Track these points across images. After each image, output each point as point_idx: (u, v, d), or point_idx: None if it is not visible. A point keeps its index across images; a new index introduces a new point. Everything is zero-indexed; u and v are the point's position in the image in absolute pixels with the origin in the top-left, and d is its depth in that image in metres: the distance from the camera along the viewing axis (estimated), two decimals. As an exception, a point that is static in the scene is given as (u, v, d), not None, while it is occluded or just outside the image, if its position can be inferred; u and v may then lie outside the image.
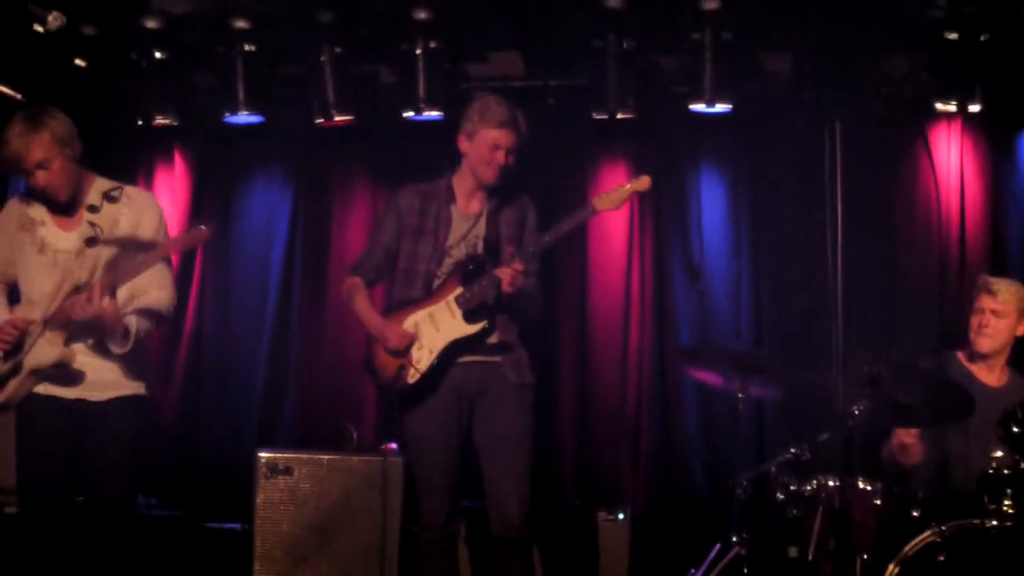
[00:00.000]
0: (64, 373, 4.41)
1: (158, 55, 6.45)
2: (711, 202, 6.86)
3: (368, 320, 4.92)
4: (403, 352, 4.77)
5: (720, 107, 6.24)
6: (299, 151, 7.21)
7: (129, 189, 4.62)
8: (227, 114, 6.59)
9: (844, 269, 4.46)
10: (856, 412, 4.70)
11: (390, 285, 5.11)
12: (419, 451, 4.89)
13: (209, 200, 7.26)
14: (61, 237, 4.49)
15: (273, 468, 6.05)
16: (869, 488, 4.99)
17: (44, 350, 4.38)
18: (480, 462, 4.86)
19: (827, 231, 4.55)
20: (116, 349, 4.43)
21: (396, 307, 4.91)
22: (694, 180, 6.90)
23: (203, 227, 4.39)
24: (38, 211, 4.52)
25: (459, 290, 4.78)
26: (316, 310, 7.08)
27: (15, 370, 4.41)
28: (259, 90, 6.55)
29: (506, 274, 4.60)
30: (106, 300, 4.26)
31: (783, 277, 6.71)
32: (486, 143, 4.83)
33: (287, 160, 7.26)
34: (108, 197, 4.51)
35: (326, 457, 6.09)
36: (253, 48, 6.42)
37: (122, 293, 4.39)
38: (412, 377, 4.76)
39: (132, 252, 4.38)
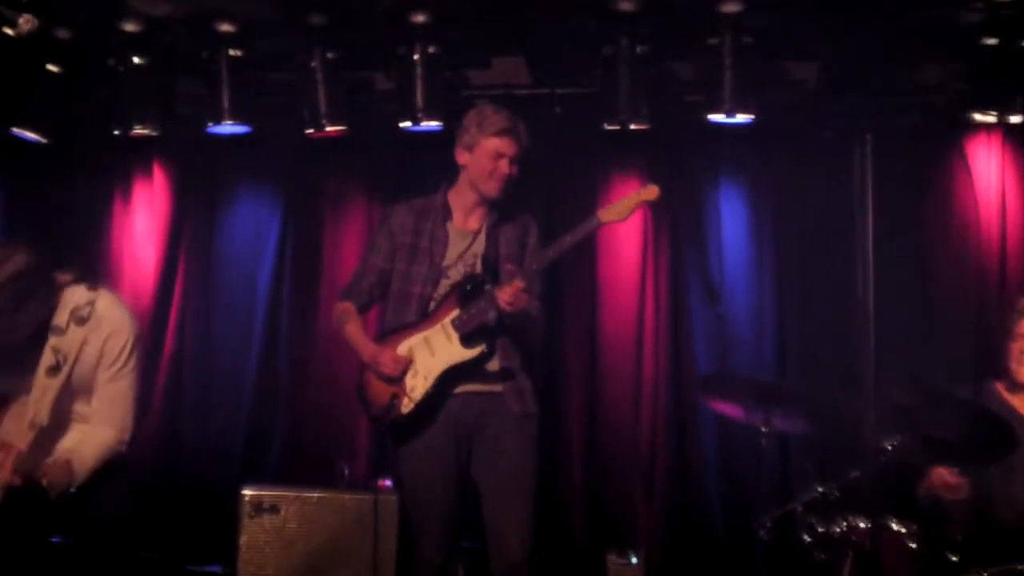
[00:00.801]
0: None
1: (137, 60, 6.43)
2: (731, 219, 6.85)
3: (360, 346, 4.89)
4: (398, 379, 4.74)
5: (740, 118, 6.20)
6: (288, 164, 7.21)
7: (102, 304, 4.35)
8: (211, 124, 6.57)
9: (875, 292, 4.41)
10: (889, 447, 4.65)
11: (383, 309, 5.08)
12: (415, 488, 4.85)
13: (191, 216, 7.26)
14: None
15: (258, 506, 6.00)
16: (903, 530, 4.93)
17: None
18: (480, 499, 4.82)
19: (857, 251, 4.51)
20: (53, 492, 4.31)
21: (389, 332, 4.87)
22: (713, 196, 6.89)
23: None
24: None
25: (456, 312, 4.75)
26: (306, 335, 7.05)
27: None
28: (245, 98, 6.53)
29: (506, 293, 4.57)
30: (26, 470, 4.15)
31: (809, 300, 6.68)
32: (487, 153, 4.83)
33: (275, 174, 7.26)
34: (77, 318, 4.25)
35: (315, 494, 6.04)
36: (239, 53, 6.41)
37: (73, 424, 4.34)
38: (406, 407, 4.73)
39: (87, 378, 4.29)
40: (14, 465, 4.11)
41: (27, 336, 4.16)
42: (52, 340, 4.22)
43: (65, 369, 4.21)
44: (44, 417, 4.20)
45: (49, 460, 4.20)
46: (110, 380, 4.34)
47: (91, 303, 4.30)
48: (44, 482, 4.15)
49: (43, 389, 4.20)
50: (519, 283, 4.58)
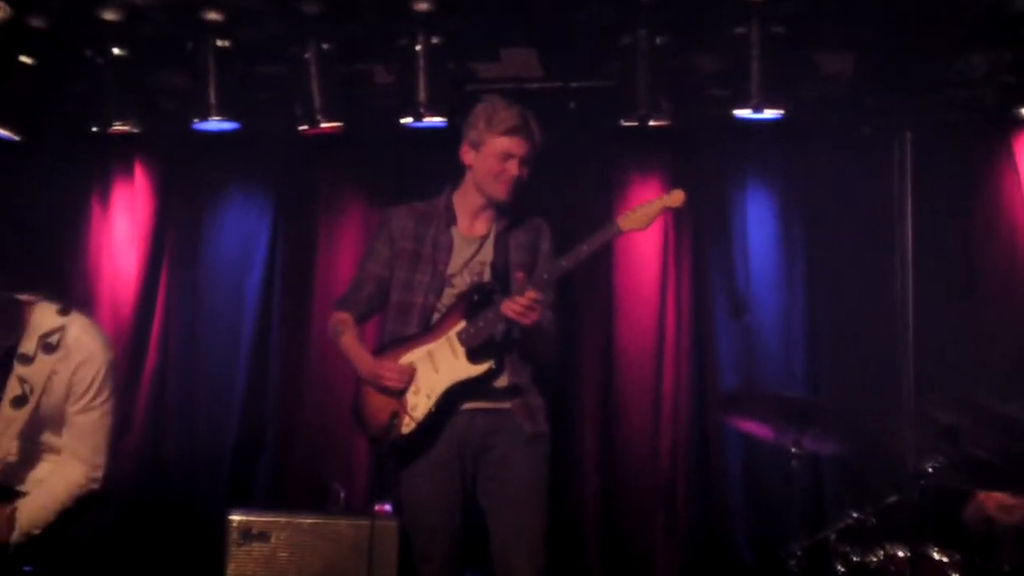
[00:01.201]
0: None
1: (117, 52, 6.45)
2: (758, 223, 6.84)
3: (357, 360, 4.88)
4: (400, 393, 4.73)
5: (769, 114, 6.21)
6: (280, 163, 7.22)
7: (73, 330, 4.34)
8: (196, 120, 6.57)
9: (915, 302, 4.38)
10: (930, 470, 4.63)
11: (383, 320, 5.07)
12: (416, 514, 4.85)
13: (175, 220, 7.26)
14: None
15: (246, 533, 6.00)
16: (946, 559, 4.93)
17: None
18: (487, 525, 4.82)
19: (895, 258, 4.48)
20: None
21: (389, 345, 4.86)
22: (739, 198, 6.89)
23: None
24: None
25: (462, 325, 4.74)
26: (298, 347, 7.06)
27: None
28: (234, 93, 6.54)
29: (516, 304, 4.55)
30: None
31: (843, 311, 6.68)
32: (495, 153, 4.82)
33: (266, 174, 7.26)
34: (45, 346, 4.27)
35: (308, 520, 6.04)
36: (227, 44, 6.42)
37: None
38: (407, 426, 4.73)
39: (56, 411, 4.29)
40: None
41: None
42: (18, 369, 4.22)
43: (32, 400, 4.22)
44: (11, 451, 4.19)
45: None
46: (80, 412, 4.32)
47: (61, 329, 4.30)
48: None
49: (8, 421, 4.21)
50: (531, 294, 4.56)
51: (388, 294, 4.95)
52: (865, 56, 6.38)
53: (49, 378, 4.26)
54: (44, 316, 4.33)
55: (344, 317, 5.00)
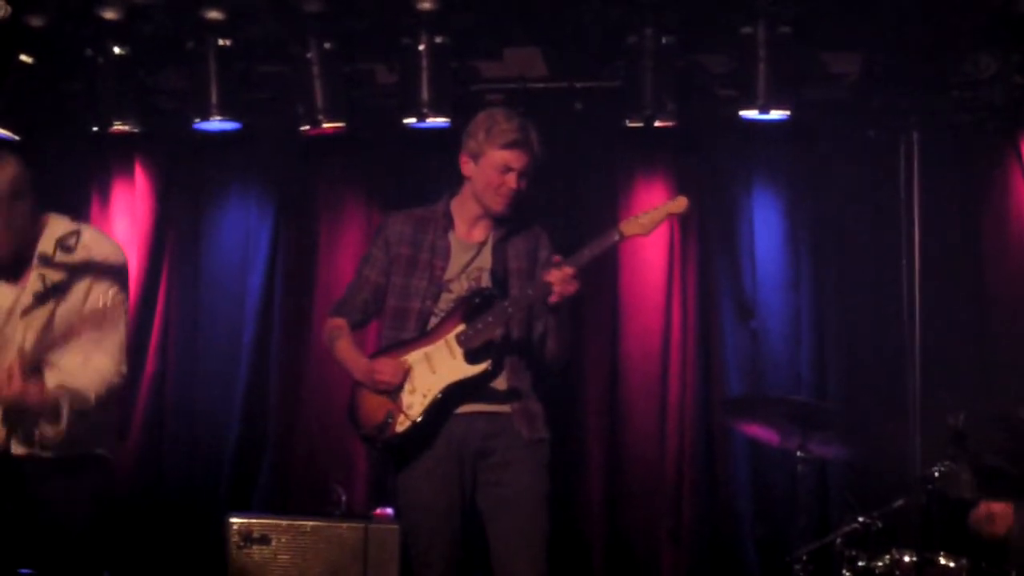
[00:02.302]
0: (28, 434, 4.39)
1: (117, 51, 6.48)
2: (765, 226, 6.84)
3: (351, 363, 4.87)
4: (395, 392, 4.74)
5: (776, 114, 6.22)
6: (281, 164, 7.23)
7: (88, 235, 4.50)
8: (197, 120, 6.60)
9: (922, 305, 4.41)
10: (937, 474, 4.64)
11: (380, 326, 5.08)
12: (415, 519, 4.84)
13: (175, 221, 7.27)
14: (4, 291, 4.40)
15: (247, 536, 6.02)
16: (952, 564, 4.94)
17: None
18: (487, 531, 4.81)
19: (902, 260, 4.51)
20: (48, 431, 4.40)
21: (386, 350, 4.86)
22: (745, 200, 6.89)
23: None
24: None
25: (461, 327, 4.74)
26: (299, 350, 7.06)
27: None
28: (234, 92, 6.56)
29: (555, 277, 4.53)
30: (29, 382, 4.18)
31: (850, 315, 6.67)
32: (494, 165, 4.80)
33: (267, 174, 7.27)
34: (63, 246, 4.40)
35: (309, 523, 6.06)
36: (228, 43, 6.44)
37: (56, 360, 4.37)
38: (401, 425, 4.72)
39: (73, 317, 4.30)
40: (22, 369, 4.13)
41: (20, 239, 4.31)
42: (39, 268, 4.34)
43: (53, 299, 4.31)
44: (28, 342, 4.26)
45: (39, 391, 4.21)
46: (102, 310, 4.36)
47: (76, 232, 4.43)
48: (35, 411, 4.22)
49: (31, 317, 4.30)
50: (568, 269, 4.54)
51: (384, 300, 4.95)
52: (872, 57, 6.38)
53: (68, 279, 4.37)
54: (58, 223, 4.45)
55: (339, 323, 5.00)
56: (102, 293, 4.32)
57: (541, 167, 4.91)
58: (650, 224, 4.68)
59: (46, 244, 4.39)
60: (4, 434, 4.34)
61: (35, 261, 4.37)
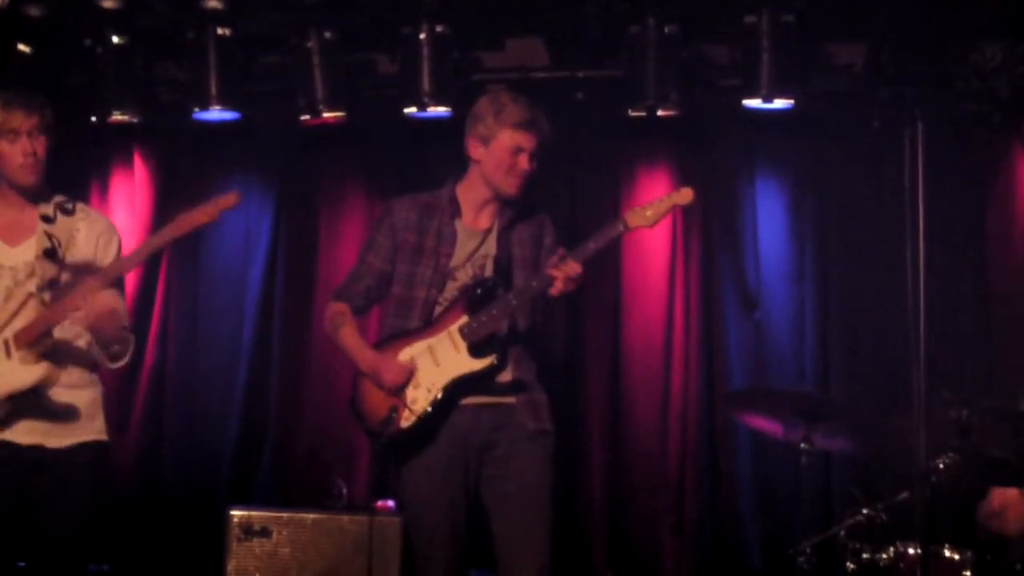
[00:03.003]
0: (34, 404, 4.42)
1: (116, 40, 6.48)
2: (768, 217, 6.85)
3: (356, 353, 4.87)
4: (399, 390, 4.74)
5: (779, 104, 6.23)
6: (281, 155, 7.24)
7: (81, 205, 4.71)
8: (197, 110, 6.61)
9: (926, 297, 4.40)
10: (941, 467, 4.65)
11: (383, 314, 5.08)
12: (418, 513, 4.83)
13: (175, 211, 7.17)
14: (5, 252, 4.51)
15: (247, 529, 6.03)
16: (957, 557, 4.94)
17: (16, 372, 4.37)
18: (490, 525, 4.81)
19: (907, 252, 4.50)
20: (110, 364, 4.50)
21: (389, 340, 4.86)
22: (748, 190, 6.90)
23: (230, 195, 4.41)
24: None
25: (464, 319, 4.73)
26: (300, 342, 7.08)
27: None
28: (235, 82, 6.57)
29: (560, 272, 4.53)
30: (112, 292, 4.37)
31: (854, 307, 6.69)
32: (505, 147, 4.79)
33: (267, 165, 7.28)
34: (63, 209, 4.59)
35: (310, 516, 6.07)
36: (228, 33, 6.44)
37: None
38: (407, 420, 4.71)
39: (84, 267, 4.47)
40: (102, 284, 4.30)
41: (43, 174, 4.54)
42: (43, 226, 4.53)
43: (61, 253, 4.50)
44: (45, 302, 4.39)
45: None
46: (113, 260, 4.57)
47: (71, 200, 4.66)
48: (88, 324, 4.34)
49: (43, 272, 4.46)
50: (575, 265, 4.53)
51: (387, 287, 4.93)
52: (877, 47, 6.38)
53: (72, 235, 4.55)
54: (54, 194, 4.65)
55: (342, 308, 4.98)
56: (112, 256, 4.58)
57: (544, 158, 4.91)
58: (655, 216, 4.67)
59: (46, 208, 4.58)
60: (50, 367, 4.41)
61: (38, 223, 4.53)
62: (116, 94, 6.63)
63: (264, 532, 6.01)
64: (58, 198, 4.62)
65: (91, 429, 4.56)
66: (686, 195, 4.69)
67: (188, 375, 7.15)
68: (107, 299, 4.32)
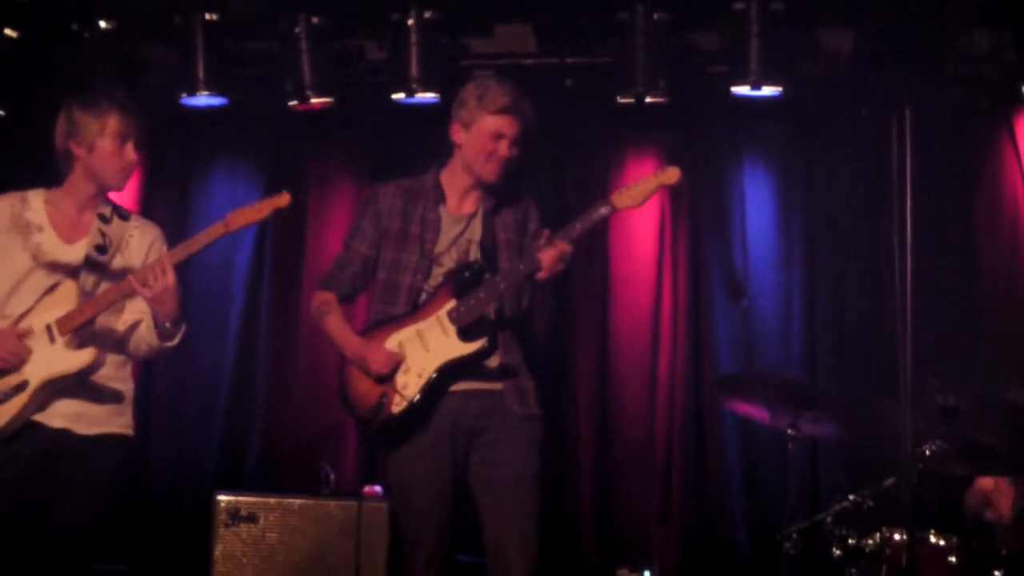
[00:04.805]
0: (73, 389, 4.44)
1: (102, 25, 6.46)
2: (756, 203, 6.86)
3: (343, 341, 4.86)
4: (388, 377, 4.73)
5: (768, 91, 6.24)
6: (269, 141, 7.24)
7: (135, 213, 4.77)
8: (184, 95, 6.60)
9: (914, 284, 4.42)
10: (928, 453, 4.67)
11: (371, 301, 5.08)
12: (406, 498, 4.82)
13: (162, 197, 7.26)
14: (61, 248, 4.51)
15: (234, 514, 6.03)
16: (942, 543, 4.96)
17: (61, 357, 4.39)
18: (479, 510, 4.81)
19: (894, 239, 4.52)
20: (166, 344, 4.54)
21: (376, 326, 4.85)
22: (736, 178, 6.91)
23: (284, 195, 4.50)
24: (37, 214, 4.55)
25: (452, 303, 4.72)
26: (288, 328, 7.08)
27: (19, 387, 4.41)
28: (222, 68, 6.56)
29: (548, 254, 4.53)
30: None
31: (842, 293, 6.70)
32: (486, 132, 4.78)
33: (254, 151, 7.28)
34: (119, 213, 4.63)
35: (297, 502, 6.07)
36: (215, 17, 6.43)
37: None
38: (398, 406, 4.70)
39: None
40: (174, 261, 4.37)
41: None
42: (98, 224, 4.55)
43: (111, 251, 4.52)
44: (86, 288, 4.44)
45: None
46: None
47: (126, 209, 4.71)
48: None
49: (91, 267, 4.49)
50: (564, 245, 4.53)
51: (373, 273, 4.92)
52: (866, 34, 6.39)
53: (125, 240, 4.59)
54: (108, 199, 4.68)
55: (328, 297, 4.97)
56: (157, 252, 4.63)
57: (531, 145, 4.91)
58: (640, 196, 4.66)
59: (104, 209, 4.60)
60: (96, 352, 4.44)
61: (95, 222, 4.56)
62: (103, 79, 6.59)
63: (251, 518, 6.01)
64: (114, 203, 4.65)
65: (119, 423, 4.58)
66: (672, 174, 4.68)
67: (175, 362, 7.12)
68: (174, 276, 4.36)
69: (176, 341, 4.56)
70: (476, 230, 4.87)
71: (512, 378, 4.80)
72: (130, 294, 4.38)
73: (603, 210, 4.66)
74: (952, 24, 6.24)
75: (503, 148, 4.76)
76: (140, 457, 7.04)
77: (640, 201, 4.67)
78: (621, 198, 4.66)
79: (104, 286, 4.47)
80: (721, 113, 6.74)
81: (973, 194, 6.66)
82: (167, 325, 4.46)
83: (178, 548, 6.73)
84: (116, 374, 4.57)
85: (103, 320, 4.46)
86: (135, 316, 4.55)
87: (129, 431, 4.63)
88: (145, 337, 4.54)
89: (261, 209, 4.48)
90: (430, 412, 4.71)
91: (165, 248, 4.65)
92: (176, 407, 7.12)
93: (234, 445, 7.01)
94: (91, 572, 4.70)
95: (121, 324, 4.56)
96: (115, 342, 4.55)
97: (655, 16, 6.22)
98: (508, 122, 4.75)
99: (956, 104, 6.44)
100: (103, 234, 4.52)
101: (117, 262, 4.53)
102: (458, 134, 4.83)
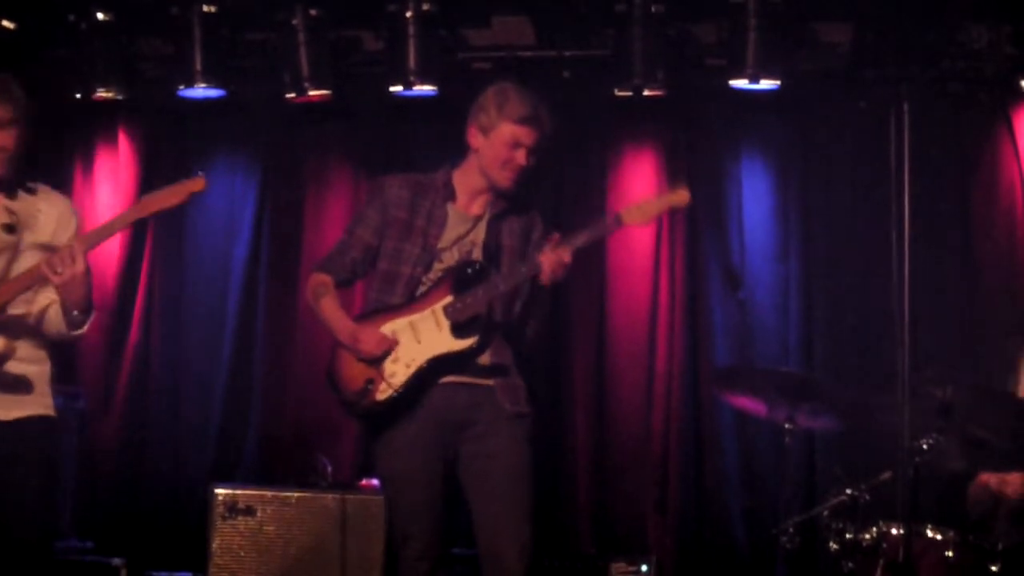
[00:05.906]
0: None
1: (100, 16, 6.44)
2: (754, 196, 6.86)
3: (336, 324, 4.84)
4: (378, 361, 4.72)
5: (766, 84, 6.22)
6: (266, 133, 7.23)
7: (43, 185, 4.60)
8: (181, 87, 6.58)
9: (912, 276, 4.42)
10: (925, 447, 4.66)
11: (367, 289, 5.07)
12: (396, 490, 4.81)
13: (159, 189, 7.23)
14: None
15: (232, 507, 6.03)
16: (939, 537, 4.94)
17: None
18: (470, 502, 4.80)
19: (892, 231, 4.52)
20: (74, 332, 4.42)
21: (371, 313, 4.84)
22: (734, 170, 6.91)
23: (198, 176, 4.35)
24: None
25: (449, 299, 4.71)
26: (285, 320, 7.07)
27: None
28: (219, 59, 6.54)
29: (549, 259, 4.53)
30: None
31: (839, 285, 6.70)
32: (505, 140, 4.76)
33: (252, 143, 7.27)
34: (25, 188, 4.49)
35: (294, 494, 6.08)
36: (213, 9, 6.41)
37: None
38: (383, 392, 4.69)
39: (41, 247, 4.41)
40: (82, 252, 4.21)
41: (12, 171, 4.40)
42: (4, 200, 4.41)
43: (20, 230, 4.39)
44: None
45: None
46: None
47: (35, 182, 4.53)
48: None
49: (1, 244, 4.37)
50: (565, 253, 4.54)
51: (373, 262, 4.91)
52: (864, 27, 6.37)
53: (33, 215, 4.45)
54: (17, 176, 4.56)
55: (325, 279, 4.94)
56: (65, 224, 4.49)
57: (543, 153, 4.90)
58: (650, 215, 4.67)
59: (8, 186, 4.47)
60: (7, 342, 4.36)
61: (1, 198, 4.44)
62: (100, 70, 6.59)
63: (249, 510, 6.01)
64: (23, 179, 4.53)
65: (41, 404, 4.51)
66: (683, 196, 4.67)
67: (172, 354, 7.14)
68: (84, 263, 4.23)
69: (84, 330, 4.45)
70: (481, 232, 4.85)
71: (503, 376, 4.79)
72: (41, 280, 4.28)
73: (612, 225, 4.68)
74: (950, 18, 6.24)
75: (520, 157, 4.74)
76: (138, 449, 7.07)
77: (648, 220, 4.69)
78: (631, 215, 4.65)
79: (16, 266, 4.37)
80: (719, 105, 6.74)
81: (970, 188, 6.66)
82: (75, 313, 4.37)
83: (176, 541, 6.72)
84: (32, 355, 4.47)
85: (14, 308, 4.37)
86: (48, 299, 4.45)
87: (51, 411, 4.52)
88: (54, 321, 4.44)
89: (177, 192, 4.33)
90: (415, 404, 4.69)
91: (75, 221, 4.55)
92: (173, 401, 7.11)
93: (231, 438, 7.01)
94: (51, 553, 4.70)
95: (35, 308, 4.45)
96: (27, 328, 4.45)
97: (653, 8, 6.20)
98: (527, 132, 4.73)
99: (954, 98, 6.43)
100: (10, 212, 4.41)
101: (28, 238, 4.42)
102: (476, 138, 4.81)
